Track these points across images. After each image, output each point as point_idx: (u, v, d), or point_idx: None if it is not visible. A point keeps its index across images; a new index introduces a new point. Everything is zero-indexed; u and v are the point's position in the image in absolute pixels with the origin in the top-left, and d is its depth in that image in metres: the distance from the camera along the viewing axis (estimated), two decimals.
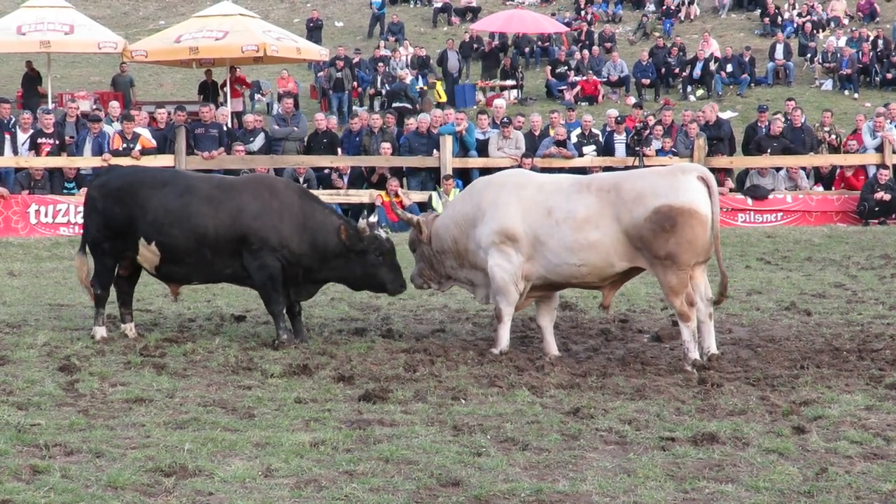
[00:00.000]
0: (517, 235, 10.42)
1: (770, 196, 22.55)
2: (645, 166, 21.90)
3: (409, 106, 31.33)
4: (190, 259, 11.13)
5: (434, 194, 21.31)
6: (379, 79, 34.12)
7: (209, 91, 29.25)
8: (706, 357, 10.17)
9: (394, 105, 31.71)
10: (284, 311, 11.22)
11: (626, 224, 10.00)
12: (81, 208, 20.20)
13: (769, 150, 23.05)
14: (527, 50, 38.45)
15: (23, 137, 21.86)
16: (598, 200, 10.15)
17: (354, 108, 32.53)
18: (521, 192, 10.56)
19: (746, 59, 35.65)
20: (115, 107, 24.21)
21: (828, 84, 35.73)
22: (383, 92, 33.44)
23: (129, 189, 11.20)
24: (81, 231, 12.13)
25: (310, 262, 11.13)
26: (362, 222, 11.05)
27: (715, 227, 9.99)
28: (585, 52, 36.56)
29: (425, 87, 34.58)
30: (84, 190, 21.01)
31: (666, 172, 10.34)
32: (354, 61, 35.07)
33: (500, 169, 22.01)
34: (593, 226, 10.11)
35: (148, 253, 11.14)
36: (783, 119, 24.22)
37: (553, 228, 10.27)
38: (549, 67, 36.42)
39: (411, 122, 23.66)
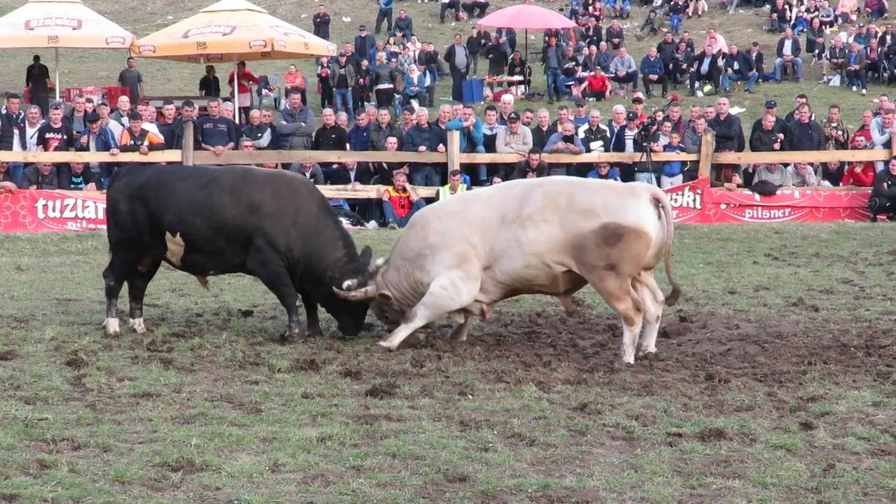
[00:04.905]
0: (472, 256, 10.44)
1: (778, 192, 22.52)
2: (653, 162, 21.99)
3: (391, 86, 32.56)
4: (208, 248, 11.18)
5: (441, 190, 21.28)
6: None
7: (211, 86, 29.24)
8: (642, 353, 10.30)
9: (376, 88, 32.10)
10: (298, 304, 11.25)
11: (571, 231, 10.08)
12: (90, 203, 20.66)
13: (774, 146, 22.96)
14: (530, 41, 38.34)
15: (31, 132, 21.85)
16: (542, 200, 10.26)
17: (366, 103, 32.52)
18: (466, 214, 10.60)
19: (753, 56, 35.59)
20: (124, 102, 24.23)
21: (836, 80, 35.65)
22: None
23: (153, 184, 11.26)
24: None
25: (300, 270, 11.13)
26: (349, 283, 10.84)
27: (667, 243, 10.22)
28: (593, 47, 36.50)
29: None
30: (92, 184, 21.14)
31: (621, 190, 10.47)
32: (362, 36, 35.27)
33: (506, 164, 22.19)
34: (533, 224, 10.21)
35: (174, 245, 11.19)
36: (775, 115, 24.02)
37: (504, 231, 10.36)
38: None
39: (413, 117, 23.46)
